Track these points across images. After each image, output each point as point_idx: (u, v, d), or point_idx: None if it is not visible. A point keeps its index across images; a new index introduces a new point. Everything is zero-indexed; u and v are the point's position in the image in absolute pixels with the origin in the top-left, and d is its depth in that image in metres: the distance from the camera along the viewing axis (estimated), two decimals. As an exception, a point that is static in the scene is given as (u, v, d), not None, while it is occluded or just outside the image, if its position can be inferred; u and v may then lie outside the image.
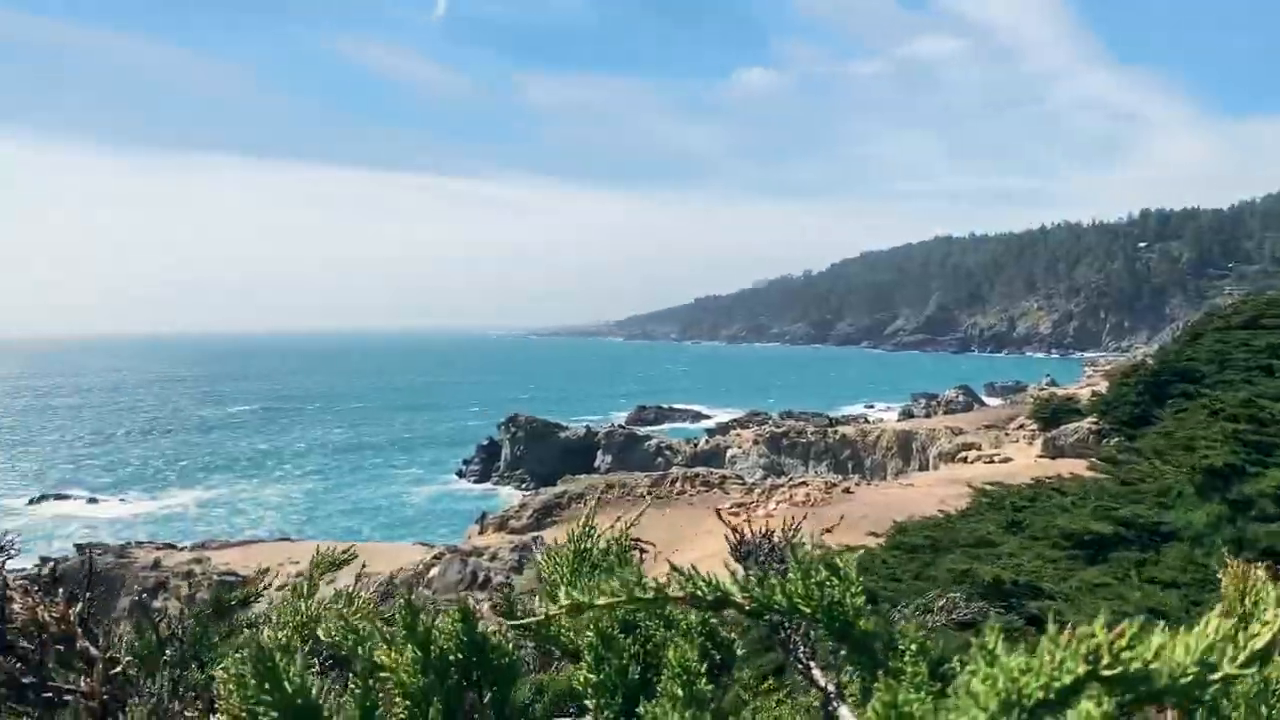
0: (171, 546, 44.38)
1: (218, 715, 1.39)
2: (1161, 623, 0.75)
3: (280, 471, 79.69)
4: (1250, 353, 37.34)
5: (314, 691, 1.24)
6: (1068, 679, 0.70)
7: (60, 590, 1.68)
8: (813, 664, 1.48)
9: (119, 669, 1.62)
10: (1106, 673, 0.71)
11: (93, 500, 65.15)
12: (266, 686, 1.23)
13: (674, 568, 1.16)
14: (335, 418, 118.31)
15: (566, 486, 49.42)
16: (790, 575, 1.21)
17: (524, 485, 66.12)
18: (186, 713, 1.58)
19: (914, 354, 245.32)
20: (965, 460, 55.02)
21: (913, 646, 1.18)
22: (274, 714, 1.23)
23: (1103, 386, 53.24)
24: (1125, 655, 0.71)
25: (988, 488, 26.77)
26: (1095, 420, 46.48)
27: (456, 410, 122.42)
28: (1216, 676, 0.74)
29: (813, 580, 1.20)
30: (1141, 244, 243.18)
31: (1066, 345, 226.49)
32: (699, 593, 1.18)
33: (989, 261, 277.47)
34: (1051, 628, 0.73)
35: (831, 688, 1.45)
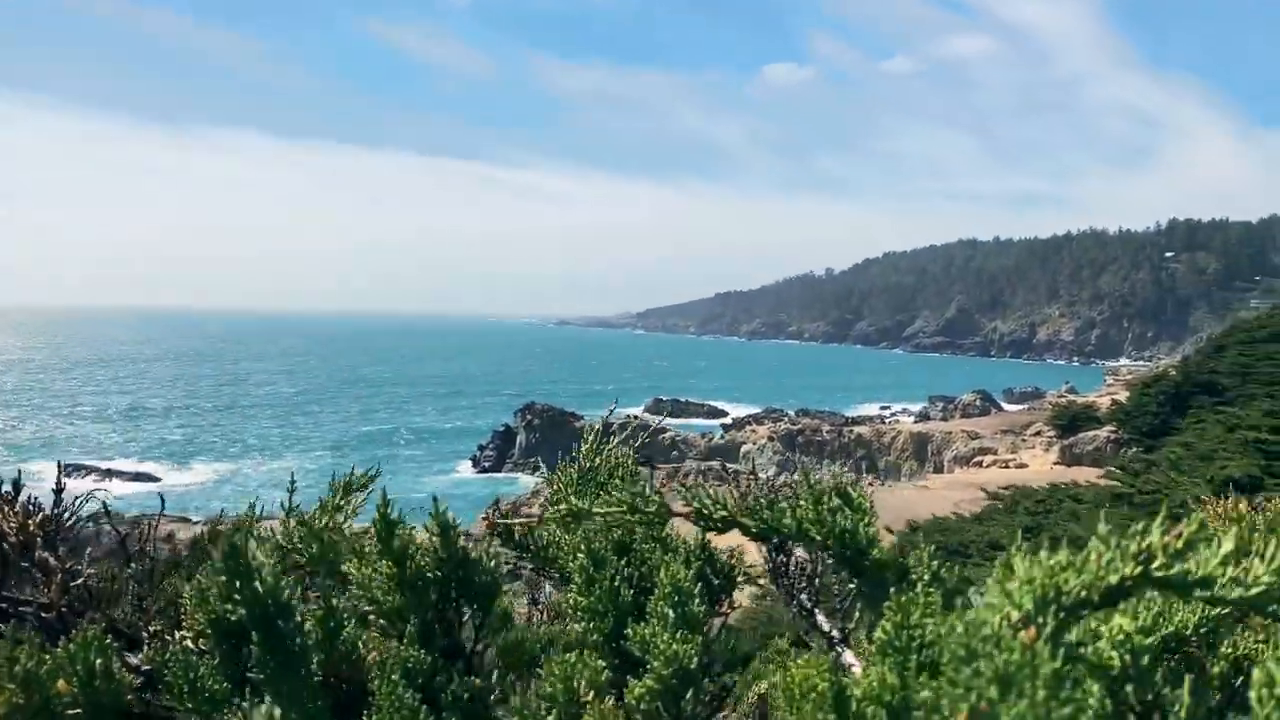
0: (185, 520, 44.73)
1: (182, 630, 1.39)
2: (1234, 529, 0.70)
3: (297, 453, 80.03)
4: (1275, 366, 37.05)
5: (286, 593, 1.22)
6: (1114, 578, 0.67)
7: (20, 501, 1.64)
8: (817, 610, 1.48)
9: (80, 581, 1.57)
10: (1159, 574, 0.67)
11: (109, 473, 65.66)
12: (238, 584, 1.20)
13: (681, 484, 1.15)
14: (354, 401, 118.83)
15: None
16: (801, 501, 1.18)
17: (538, 474, 66.06)
18: (150, 627, 1.54)
19: (933, 356, 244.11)
20: (980, 465, 54.76)
21: (925, 575, 1.15)
22: (242, 611, 1.21)
23: (1123, 396, 52.90)
24: (1182, 558, 0.67)
25: (1002, 492, 26.63)
26: (1114, 429, 46.23)
27: (473, 397, 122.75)
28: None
29: (824, 506, 1.19)
30: (1168, 254, 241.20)
31: (1088, 353, 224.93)
32: (704, 510, 1.17)
33: (1012, 266, 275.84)
34: (1102, 527, 0.69)
35: (836, 633, 1.46)
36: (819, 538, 1.16)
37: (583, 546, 1.44)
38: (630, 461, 1.76)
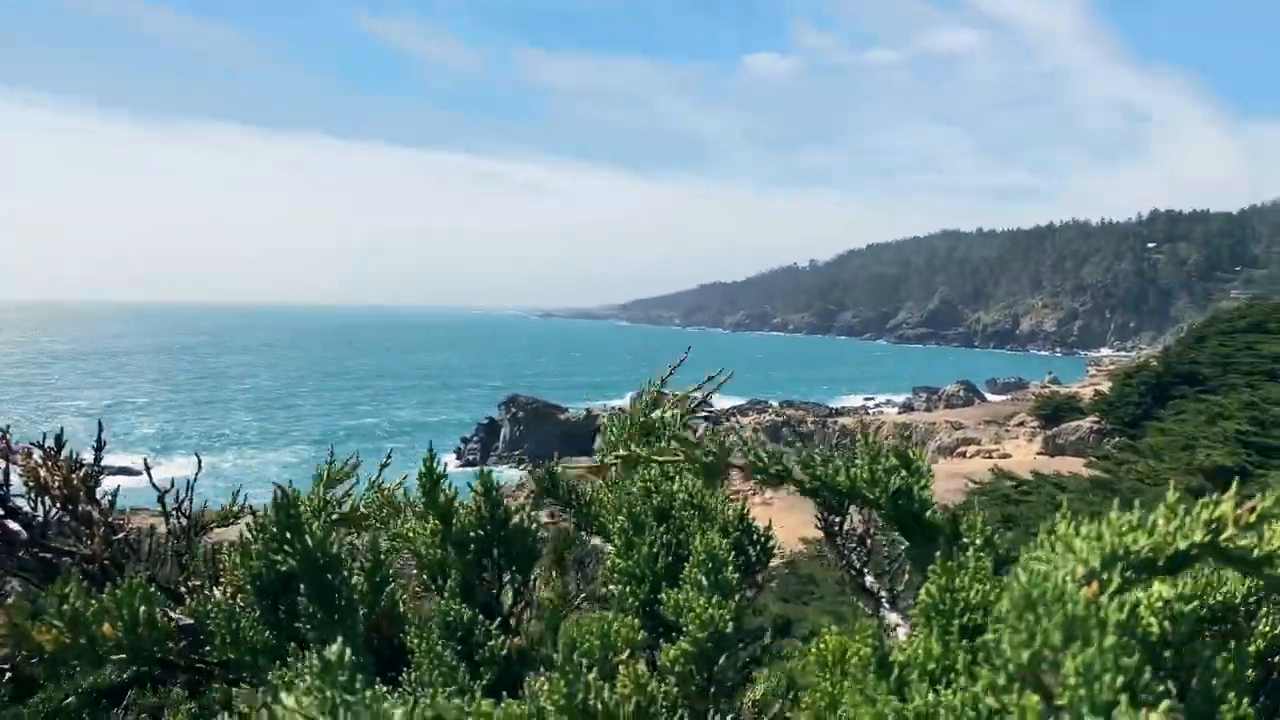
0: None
1: (221, 585, 1.42)
2: None
3: (279, 446, 79.62)
4: (1254, 357, 37.33)
5: (335, 547, 1.26)
6: (1183, 544, 0.66)
7: (64, 454, 1.68)
8: (865, 570, 1.47)
9: (121, 534, 1.61)
10: (1226, 545, 0.66)
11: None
12: (289, 535, 1.24)
13: (738, 435, 1.13)
14: (337, 394, 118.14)
15: (565, 468, 49.43)
16: (857, 459, 1.18)
17: (523, 466, 66.02)
18: (190, 581, 1.57)
19: (916, 347, 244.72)
20: (964, 455, 55.02)
21: (978, 540, 1.14)
22: (293, 562, 1.24)
23: (1106, 386, 53.19)
24: (1253, 531, 0.66)
25: (984, 481, 26.76)
26: (1097, 419, 46.48)
27: (457, 390, 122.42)
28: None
29: (880, 467, 1.18)
30: (1150, 245, 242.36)
31: (1070, 344, 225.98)
32: (760, 463, 1.17)
33: (995, 257, 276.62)
34: (1172, 495, 0.68)
35: (884, 594, 1.46)
36: (874, 496, 1.16)
37: (624, 510, 1.46)
38: (683, 422, 1.75)
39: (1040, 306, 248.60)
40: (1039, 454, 47.81)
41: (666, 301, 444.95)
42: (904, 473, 1.19)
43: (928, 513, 1.19)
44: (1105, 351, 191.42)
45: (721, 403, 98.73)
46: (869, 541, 1.50)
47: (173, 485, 1.70)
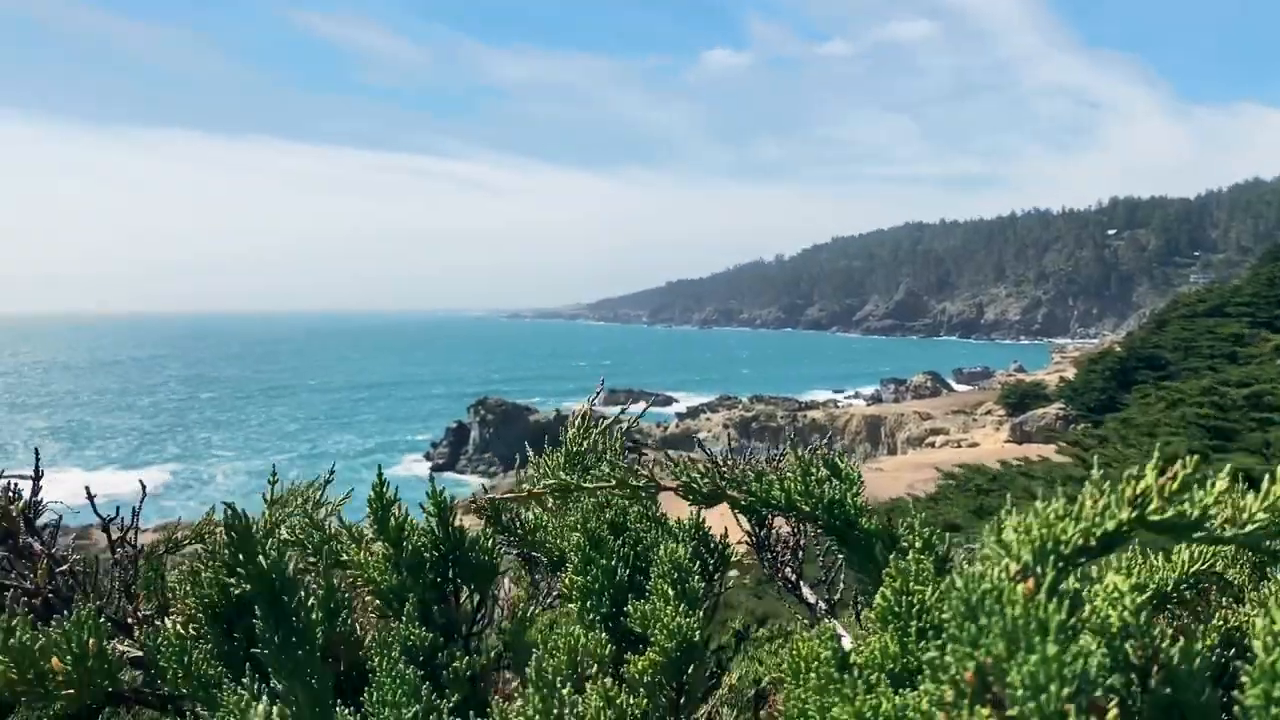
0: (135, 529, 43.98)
1: (171, 616, 1.38)
2: (1226, 467, 0.70)
3: (243, 456, 78.72)
4: (1214, 340, 37.94)
5: (290, 569, 1.22)
6: (1111, 524, 0.66)
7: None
8: (802, 582, 1.49)
9: (65, 566, 1.55)
10: (1155, 518, 0.67)
11: (37, 477, 63.88)
12: (241, 557, 1.19)
13: (668, 457, 1.14)
14: (301, 402, 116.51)
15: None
16: (788, 472, 1.19)
17: (493, 468, 65.72)
18: (139, 611, 1.52)
19: (883, 339, 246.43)
20: (933, 445, 55.45)
21: (918, 542, 1.16)
22: (246, 586, 1.20)
23: (1071, 373, 53.81)
24: (1177, 499, 0.67)
25: (955, 471, 26.97)
26: (1062, 406, 46.98)
27: (425, 394, 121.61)
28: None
29: (812, 477, 1.20)
30: (1110, 231, 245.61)
31: (1035, 332, 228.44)
32: (693, 484, 1.18)
33: (959, 248, 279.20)
34: (1096, 471, 0.68)
35: (822, 605, 1.47)
36: (808, 508, 1.18)
37: (579, 527, 1.45)
38: (619, 445, 1.76)
39: (1004, 295, 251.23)
40: (1006, 442, 48.30)
41: (634, 300, 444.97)
42: (835, 482, 1.21)
43: (862, 520, 1.20)
44: (1069, 339, 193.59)
45: (691, 399, 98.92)
46: (800, 552, 1.49)
47: (118, 514, 1.64)
